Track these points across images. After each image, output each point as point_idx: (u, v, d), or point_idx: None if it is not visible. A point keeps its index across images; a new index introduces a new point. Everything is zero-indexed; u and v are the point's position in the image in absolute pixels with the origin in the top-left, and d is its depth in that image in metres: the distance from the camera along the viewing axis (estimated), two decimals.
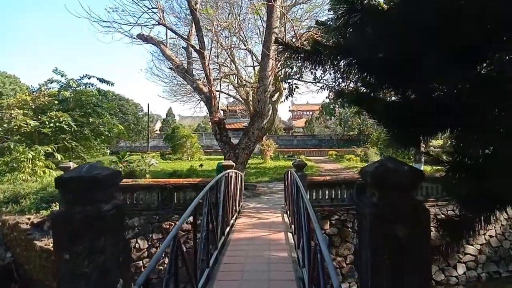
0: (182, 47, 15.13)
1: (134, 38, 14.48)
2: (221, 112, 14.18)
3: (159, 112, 74.64)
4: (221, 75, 18.42)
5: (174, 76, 24.72)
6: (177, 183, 10.93)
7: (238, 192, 9.78)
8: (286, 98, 17.37)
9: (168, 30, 14.76)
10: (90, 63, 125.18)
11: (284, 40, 14.26)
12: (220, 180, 6.70)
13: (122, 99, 41.07)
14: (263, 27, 23.25)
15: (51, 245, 10.26)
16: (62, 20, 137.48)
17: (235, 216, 8.79)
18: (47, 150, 16.03)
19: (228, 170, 7.89)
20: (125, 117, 41.00)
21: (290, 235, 7.22)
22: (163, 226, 10.55)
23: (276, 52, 13.42)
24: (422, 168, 14.93)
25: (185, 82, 23.05)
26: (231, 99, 35.19)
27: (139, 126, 42.54)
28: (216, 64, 16.37)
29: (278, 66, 13.83)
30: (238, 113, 38.49)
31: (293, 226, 7.26)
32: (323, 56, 4.44)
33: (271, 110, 14.81)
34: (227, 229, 7.29)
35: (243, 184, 11.46)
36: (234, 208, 8.68)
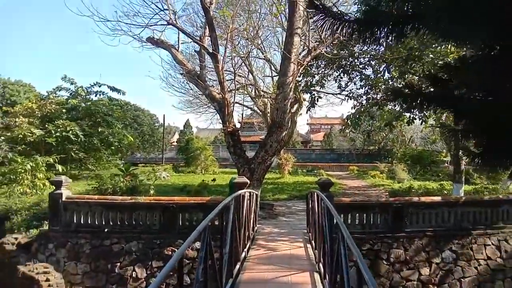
0: (195, 50, 13.85)
1: (144, 42, 13.29)
2: (236, 122, 12.74)
3: (178, 124, 73.97)
4: (236, 84, 17.08)
5: (190, 87, 23.67)
6: (182, 202, 9.46)
7: (252, 216, 8.25)
8: (308, 109, 15.85)
9: (180, 33, 13.53)
10: (105, 73, 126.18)
11: (312, 37, 12.90)
12: (228, 205, 5.21)
13: (138, 110, 40.23)
14: (282, 36, 22.09)
15: (36, 270, 8.91)
16: (76, 27, 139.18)
17: (248, 246, 7.24)
18: (47, 161, 14.81)
19: (240, 191, 6.37)
20: (140, 128, 40.10)
21: (317, 277, 5.62)
22: (165, 252, 9.08)
23: (298, 55, 11.99)
24: (462, 189, 13.14)
25: (200, 92, 22.04)
26: (248, 111, 34.06)
27: (154, 137, 41.57)
28: (231, 73, 15.03)
29: (301, 71, 12.34)
30: (255, 125, 37.19)
31: (321, 265, 5.68)
32: (381, 26, 3.11)
33: (290, 122, 13.30)
34: (237, 266, 5.75)
35: (258, 205, 9.92)
36: (246, 236, 7.15)
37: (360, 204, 9.65)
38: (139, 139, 39.97)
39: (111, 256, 9.24)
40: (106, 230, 9.39)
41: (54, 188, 9.73)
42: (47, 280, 8.55)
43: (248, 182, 8.68)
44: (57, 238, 9.45)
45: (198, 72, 13.18)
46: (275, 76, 24.04)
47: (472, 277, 9.47)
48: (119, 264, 9.15)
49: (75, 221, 9.52)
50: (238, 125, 12.91)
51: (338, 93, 22.63)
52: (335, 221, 4.01)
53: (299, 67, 11.75)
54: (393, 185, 20.76)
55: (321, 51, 12.57)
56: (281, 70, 11.66)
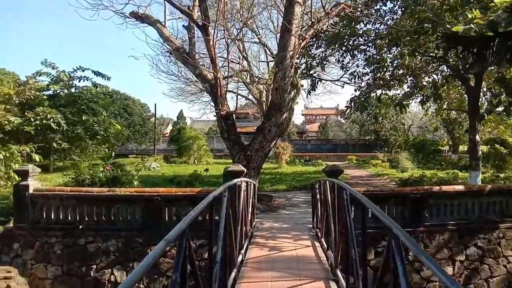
0: (183, 26, 12.48)
1: (127, 17, 11.91)
2: (229, 105, 11.44)
3: (172, 115, 72.41)
4: (228, 69, 15.76)
5: (181, 73, 22.28)
6: (168, 194, 8.14)
7: (249, 209, 6.99)
8: (309, 93, 14.54)
9: (167, 9, 12.20)
10: (94, 62, 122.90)
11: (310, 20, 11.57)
12: (220, 197, 3.94)
13: (128, 99, 38.60)
14: (278, 20, 20.71)
15: None
16: (64, 18, 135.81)
17: (245, 246, 5.99)
18: (22, 150, 13.40)
19: (236, 180, 5.08)
20: (131, 117, 38.58)
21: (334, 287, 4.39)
22: (148, 252, 7.76)
23: (299, 28, 10.67)
24: (480, 177, 11.96)
25: (193, 79, 20.61)
26: (243, 101, 32.68)
27: (145, 128, 40.06)
28: (224, 53, 13.68)
29: (302, 45, 11.01)
30: (250, 116, 35.84)
31: (339, 273, 4.44)
32: None
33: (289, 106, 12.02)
34: (232, 274, 4.50)
35: (255, 198, 8.65)
36: (244, 233, 5.90)
37: (373, 194, 8.38)
38: (129, 130, 38.53)
39: (86, 257, 7.94)
40: (80, 227, 8.08)
41: (20, 179, 8.39)
42: (8, 286, 7.23)
43: (245, 170, 7.39)
44: (24, 237, 8.11)
45: (187, 50, 11.88)
46: (271, 61, 22.72)
47: (501, 276, 8.30)
48: (95, 266, 7.86)
49: (44, 217, 8.19)
50: (232, 109, 11.59)
51: (339, 78, 21.51)
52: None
53: (300, 41, 10.43)
54: (397, 174, 19.62)
55: (325, 24, 11.25)
56: (280, 45, 10.34)
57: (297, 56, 13.49)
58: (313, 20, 10.72)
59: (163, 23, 12.43)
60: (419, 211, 8.33)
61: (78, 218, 8.14)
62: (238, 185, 5.41)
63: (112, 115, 37.35)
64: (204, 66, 12.13)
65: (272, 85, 11.78)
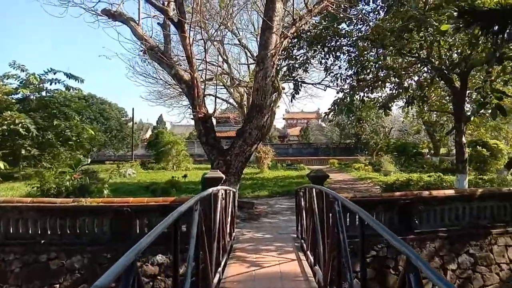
0: (158, 23, 11.73)
1: (99, 15, 11.16)
2: (207, 107, 10.76)
3: (151, 121, 70.89)
4: (206, 69, 15.20)
5: (159, 76, 21.55)
6: (139, 205, 7.43)
7: (228, 220, 6.36)
8: (293, 96, 13.98)
9: (141, 6, 11.48)
10: (69, 64, 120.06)
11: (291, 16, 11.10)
12: (192, 210, 3.32)
13: (104, 103, 37.43)
14: (258, 23, 20.22)
15: None
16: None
17: (223, 262, 5.36)
18: None
19: (211, 189, 4.45)
20: (107, 122, 37.39)
21: None
22: None
23: (280, 25, 10.13)
24: (467, 180, 11.62)
25: (171, 82, 19.85)
26: (223, 105, 32.06)
27: (123, 133, 38.92)
28: (202, 59, 13.08)
29: (284, 44, 10.47)
30: (231, 120, 35.21)
31: None
32: None
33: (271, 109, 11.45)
34: None
35: (235, 206, 8.03)
36: (221, 247, 5.27)
37: (360, 200, 7.86)
38: (106, 135, 37.32)
39: (48, 275, 7.16)
40: (42, 241, 7.29)
41: None
42: None
43: (223, 177, 6.76)
44: None
45: (162, 48, 11.21)
46: (251, 63, 22.19)
47: (494, 285, 7.91)
48: (58, 285, 7.09)
49: (1, 231, 7.38)
50: (211, 111, 10.93)
51: (321, 81, 21.15)
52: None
53: (282, 39, 9.88)
54: (380, 177, 19.31)
55: (308, 22, 10.77)
56: (261, 43, 9.77)
57: (279, 57, 13.00)
58: (295, 18, 10.20)
59: (137, 21, 11.74)
60: (408, 218, 7.87)
61: (39, 232, 7.36)
62: (215, 194, 4.79)
63: (87, 120, 36.20)
64: (181, 66, 11.45)
65: (252, 86, 11.20)
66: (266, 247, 6.81)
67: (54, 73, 19.33)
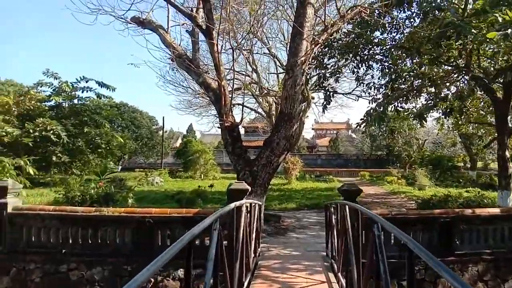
0: (186, 31, 11.62)
1: (129, 23, 11.18)
2: (235, 117, 10.49)
3: (182, 129, 71.66)
4: (234, 76, 14.97)
5: (188, 85, 21.61)
6: (162, 216, 7.16)
7: (254, 235, 5.98)
8: (324, 107, 13.51)
9: (170, 13, 11.45)
10: (102, 74, 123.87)
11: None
12: (211, 229, 2.97)
13: (136, 111, 38.08)
14: (288, 33, 19.89)
15: None
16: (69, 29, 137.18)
17: (247, 281, 4.97)
18: (15, 163, 12.58)
19: (233, 204, 4.08)
20: (138, 130, 37.97)
21: None
22: None
23: (312, 31, 9.78)
24: (510, 197, 10.77)
25: (200, 91, 19.81)
26: (252, 115, 31.89)
27: (153, 141, 39.41)
28: (230, 57, 12.87)
29: (315, 51, 10.08)
30: (259, 129, 34.97)
31: None
32: None
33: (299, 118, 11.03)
34: None
35: (261, 221, 7.64)
36: (244, 267, 4.88)
37: (396, 218, 7.30)
38: (137, 143, 37.89)
39: (68, 286, 7.00)
40: (63, 251, 7.14)
41: None
42: None
43: (249, 188, 6.39)
44: None
45: (191, 56, 11.07)
46: (280, 73, 21.92)
47: None
48: None
49: (23, 239, 7.28)
50: (238, 120, 10.64)
51: (352, 91, 20.60)
52: None
53: (312, 46, 9.50)
54: (414, 191, 18.42)
55: (340, 28, 10.36)
56: (291, 49, 9.41)
57: (309, 66, 12.61)
58: (326, 24, 9.80)
59: (166, 29, 11.70)
60: (449, 238, 7.23)
61: (61, 241, 7.23)
62: (238, 209, 4.42)
63: (119, 128, 36.97)
64: (209, 74, 11.27)
65: (281, 95, 10.86)
66: (294, 265, 6.36)
67: (86, 81, 19.69)
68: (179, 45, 11.63)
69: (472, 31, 9.41)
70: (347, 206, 4.66)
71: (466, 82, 13.19)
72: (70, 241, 7.19)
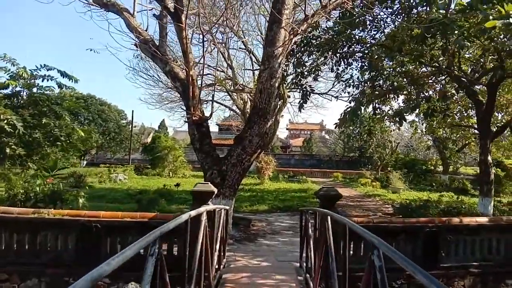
0: (154, 15, 10.59)
1: (91, 4, 10.08)
2: (203, 109, 9.62)
3: (154, 125, 69.58)
4: (204, 66, 14.08)
5: (159, 77, 20.46)
6: (112, 220, 6.15)
7: (217, 247, 5.11)
8: (301, 105, 12.80)
9: None
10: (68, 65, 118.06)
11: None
12: (145, 260, 2.08)
13: (104, 104, 36.39)
14: (265, 29, 19.13)
15: None
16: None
17: None
18: None
19: (185, 216, 3.16)
20: (106, 124, 36.31)
21: None
22: None
23: (290, 19, 8.99)
24: (492, 205, 10.34)
25: (170, 85, 18.70)
26: (226, 113, 30.97)
27: (121, 136, 37.78)
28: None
29: (294, 41, 9.28)
30: (233, 128, 34.10)
31: None
32: None
33: (274, 117, 10.21)
34: None
35: (227, 228, 6.77)
36: None
37: (378, 227, 6.58)
38: (104, 137, 36.23)
39: None
40: None
41: None
42: None
43: (215, 191, 5.52)
44: None
45: (158, 43, 10.09)
46: (256, 69, 21.11)
47: None
48: None
49: None
50: (208, 114, 9.71)
51: (329, 90, 19.99)
52: None
53: (291, 36, 8.70)
54: (388, 195, 18.00)
55: (321, 17, 9.62)
56: (268, 38, 8.58)
57: (286, 63, 11.86)
58: (307, 14, 9.01)
59: (131, 13, 10.66)
60: (434, 249, 6.59)
61: None
62: (195, 219, 3.53)
63: (86, 121, 35.17)
64: (177, 62, 10.30)
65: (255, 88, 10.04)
66: (263, 280, 5.52)
67: (48, 70, 18.13)
68: (146, 31, 10.64)
69: (455, 31, 8.87)
70: (328, 218, 3.85)
71: (445, 83, 12.79)
72: (3, 247, 6.10)
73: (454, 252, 6.73)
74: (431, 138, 27.56)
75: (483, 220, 7.27)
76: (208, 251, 4.19)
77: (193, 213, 3.22)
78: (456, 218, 7.14)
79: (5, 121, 15.87)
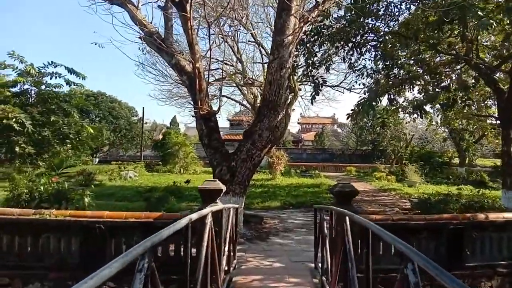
0: (158, 6, 10.25)
1: None
2: (211, 103, 9.29)
3: (166, 121, 69.55)
4: (210, 56, 13.75)
5: (168, 73, 20.18)
6: (116, 221, 5.86)
7: (226, 249, 4.77)
8: (313, 97, 12.30)
9: None
10: (80, 64, 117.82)
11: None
12: (134, 278, 1.74)
13: (114, 101, 36.35)
14: (274, 16, 18.70)
15: None
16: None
17: None
18: None
19: (185, 220, 2.80)
20: (117, 121, 36.29)
21: None
22: None
23: (301, 6, 8.56)
24: None
25: (180, 80, 18.41)
26: (237, 108, 30.64)
27: (132, 132, 37.75)
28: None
29: (304, 29, 8.86)
30: (244, 123, 33.77)
31: None
32: None
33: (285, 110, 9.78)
34: None
35: (237, 228, 6.43)
36: None
37: (398, 225, 6.18)
38: (115, 134, 36.25)
39: None
40: None
41: None
42: None
43: (223, 188, 5.17)
44: None
45: (163, 36, 9.78)
46: (266, 62, 20.69)
47: None
48: None
49: None
50: (215, 108, 9.35)
51: (341, 82, 19.49)
52: None
53: (302, 24, 8.27)
54: (404, 188, 17.47)
55: (331, 5, 9.18)
56: (277, 26, 8.17)
57: (296, 53, 11.42)
58: (317, 0, 8.58)
59: (135, 5, 10.36)
60: (458, 247, 6.16)
61: None
62: (198, 222, 3.19)
63: (97, 119, 35.18)
64: (183, 54, 9.98)
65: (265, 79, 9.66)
66: (276, 283, 5.17)
67: (55, 67, 18.02)
68: (150, 23, 10.32)
69: (478, 13, 8.28)
70: (347, 218, 3.47)
71: (462, 72, 12.23)
72: (4, 250, 5.86)
73: (480, 251, 6.29)
74: (446, 130, 26.81)
75: (510, 215, 6.79)
76: (215, 254, 3.85)
77: (194, 216, 2.86)
78: (481, 214, 6.68)
79: (14, 120, 15.83)
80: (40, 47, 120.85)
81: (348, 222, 3.45)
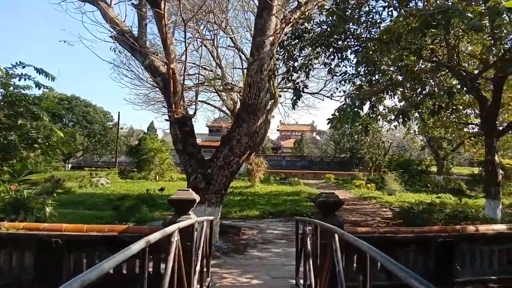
0: (132, 3, 9.70)
1: None
2: (186, 107, 8.76)
3: (144, 127, 68.08)
4: (186, 56, 13.39)
5: (144, 77, 19.52)
6: (75, 235, 5.25)
7: (197, 269, 4.25)
8: (295, 103, 11.90)
9: None
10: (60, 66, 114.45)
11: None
12: None
13: (88, 105, 35.24)
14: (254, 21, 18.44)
15: None
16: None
17: None
18: None
19: (147, 238, 2.29)
20: (91, 126, 35.16)
21: None
22: None
23: (281, 6, 8.18)
24: (500, 208, 9.64)
25: (153, 84, 17.79)
26: (216, 114, 30.16)
27: (107, 138, 36.63)
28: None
29: (286, 30, 8.48)
30: (223, 129, 33.34)
31: None
32: None
33: (264, 116, 9.35)
34: None
35: (213, 240, 5.91)
36: None
37: (385, 238, 5.79)
38: (89, 139, 35.12)
39: None
40: None
41: None
42: None
43: (196, 198, 4.66)
44: None
45: (136, 35, 9.27)
46: (246, 68, 20.34)
47: None
48: None
49: None
50: (191, 112, 8.82)
51: (321, 90, 19.29)
52: None
53: (283, 24, 7.90)
54: (384, 197, 17.28)
55: (314, 6, 8.84)
56: (257, 26, 7.76)
57: (276, 57, 11.05)
58: (299, 1, 8.23)
59: (108, 3, 9.82)
60: (448, 261, 5.81)
61: None
62: (156, 242, 2.68)
63: (70, 123, 34.00)
64: (158, 55, 9.45)
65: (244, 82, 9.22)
66: None
67: (23, 67, 17.09)
68: (123, 22, 9.78)
69: (468, 15, 8.03)
70: (336, 236, 3.02)
71: (443, 79, 12.11)
72: None
73: (470, 264, 5.96)
74: (424, 139, 26.99)
75: (500, 227, 6.50)
76: (183, 276, 3.33)
77: (152, 238, 2.34)
78: (471, 226, 6.36)
79: None
80: (40, 47, 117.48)
81: (337, 241, 3.01)
